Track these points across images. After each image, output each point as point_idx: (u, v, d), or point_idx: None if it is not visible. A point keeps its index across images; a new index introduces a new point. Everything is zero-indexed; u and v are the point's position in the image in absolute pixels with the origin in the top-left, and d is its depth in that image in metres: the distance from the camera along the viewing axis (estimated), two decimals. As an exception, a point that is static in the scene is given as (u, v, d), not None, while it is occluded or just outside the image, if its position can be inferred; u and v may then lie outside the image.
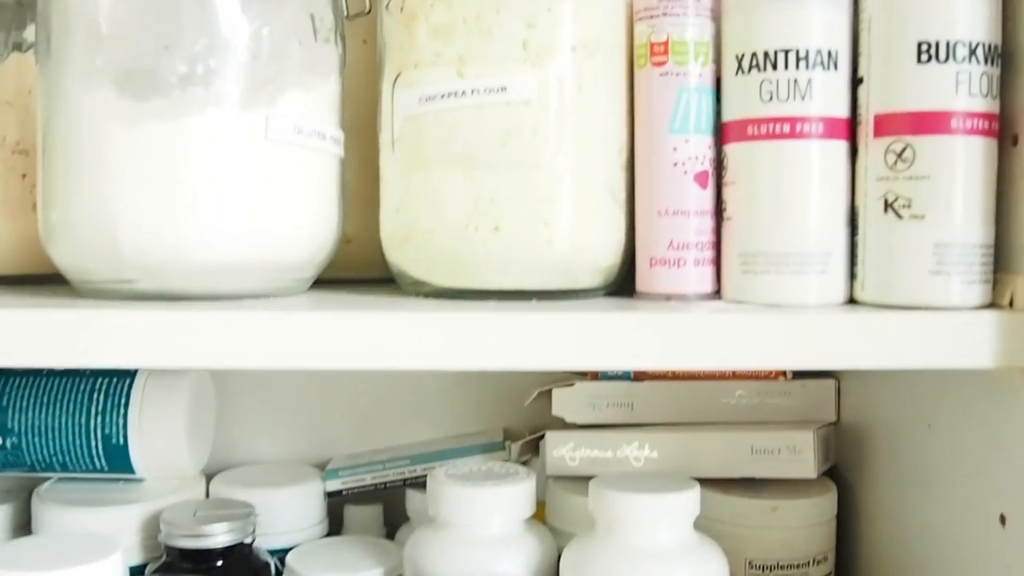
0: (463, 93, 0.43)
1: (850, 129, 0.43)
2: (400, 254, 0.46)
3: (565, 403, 0.60)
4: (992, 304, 0.42)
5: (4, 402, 0.57)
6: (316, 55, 0.45)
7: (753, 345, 0.40)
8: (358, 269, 0.51)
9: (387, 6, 0.46)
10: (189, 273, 0.42)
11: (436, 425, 0.69)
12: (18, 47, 0.51)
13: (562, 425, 0.60)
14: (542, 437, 0.60)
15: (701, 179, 0.44)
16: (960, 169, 0.41)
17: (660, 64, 0.44)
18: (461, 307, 0.41)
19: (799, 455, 0.56)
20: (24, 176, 0.50)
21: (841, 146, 0.43)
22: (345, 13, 0.49)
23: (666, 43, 0.44)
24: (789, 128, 0.43)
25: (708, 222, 0.45)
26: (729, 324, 0.40)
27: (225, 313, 0.40)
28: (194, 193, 0.42)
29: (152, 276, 0.42)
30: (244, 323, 0.39)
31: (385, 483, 0.63)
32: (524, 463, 0.62)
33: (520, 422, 0.68)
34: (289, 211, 0.44)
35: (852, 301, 0.44)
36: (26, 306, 0.40)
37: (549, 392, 0.61)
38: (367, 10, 0.49)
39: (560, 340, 0.40)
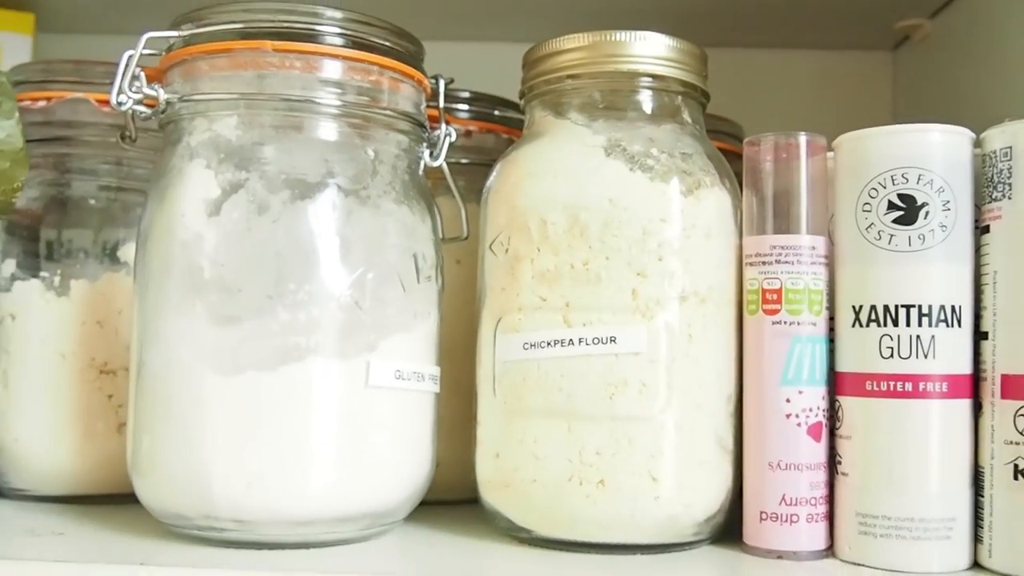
0: (570, 342, 0.42)
1: (973, 385, 0.42)
2: (497, 498, 0.44)
3: None
4: None
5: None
6: (418, 296, 0.44)
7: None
8: (445, 492, 0.49)
9: (490, 245, 0.44)
10: (283, 524, 0.41)
11: None
12: (112, 264, 0.50)
13: None
14: None
15: (815, 432, 0.42)
16: (1096, 438, 0.39)
17: (773, 312, 0.42)
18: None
19: None
20: (110, 397, 0.49)
21: (965, 404, 0.41)
22: (441, 236, 0.48)
23: (779, 291, 0.42)
24: (911, 387, 0.41)
25: (822, 476, 0.42)
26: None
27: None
28: (293, 444, 0.41)
29: (245, 527, 0.41)
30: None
31: None
32: None
33: None
34: (387, 458, 0.43)
35: (977, 565, 0.41)
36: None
37: None
38: (465, 235, 0.48)
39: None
